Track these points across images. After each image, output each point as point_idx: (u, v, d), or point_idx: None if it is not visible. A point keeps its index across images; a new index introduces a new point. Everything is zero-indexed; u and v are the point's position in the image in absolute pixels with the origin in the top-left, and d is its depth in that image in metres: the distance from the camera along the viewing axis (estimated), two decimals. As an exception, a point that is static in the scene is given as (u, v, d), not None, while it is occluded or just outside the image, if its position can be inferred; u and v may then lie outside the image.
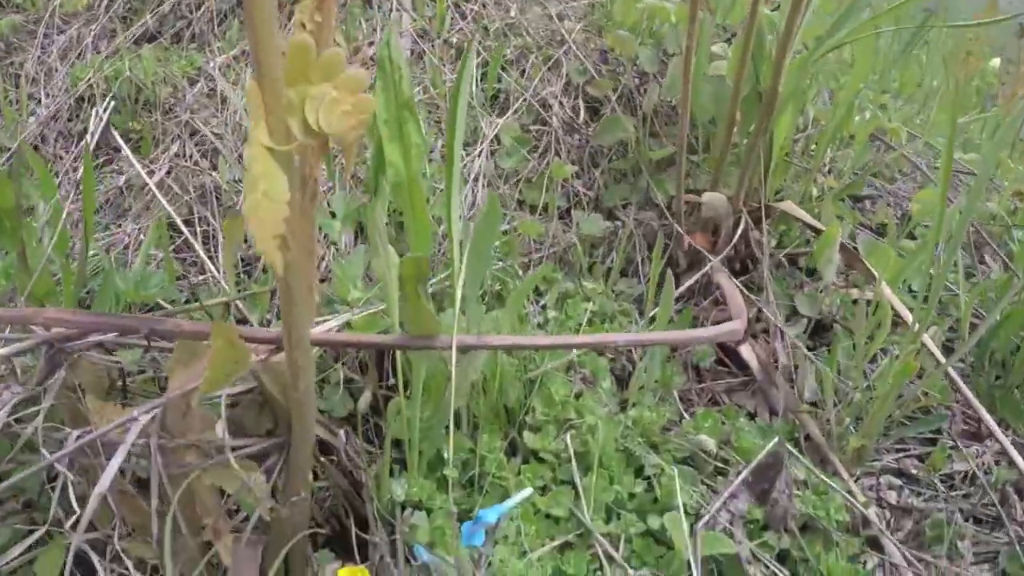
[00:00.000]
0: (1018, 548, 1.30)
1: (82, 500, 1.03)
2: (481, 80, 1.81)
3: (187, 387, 0.94)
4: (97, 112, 1.66)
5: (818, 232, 1.55)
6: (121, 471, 1.04)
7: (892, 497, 1.37)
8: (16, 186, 1.14)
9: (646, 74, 1.87)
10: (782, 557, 1.23)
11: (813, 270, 1.71)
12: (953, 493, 1.43)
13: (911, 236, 1.78)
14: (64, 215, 1.20)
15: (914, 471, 1.45)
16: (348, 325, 1.25)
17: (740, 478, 1.17)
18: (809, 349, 1.57)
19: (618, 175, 1.79)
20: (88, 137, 1.62)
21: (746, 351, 1.56)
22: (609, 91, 1.82)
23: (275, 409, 1.01)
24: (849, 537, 1.25)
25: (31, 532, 1.18)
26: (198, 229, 1.62)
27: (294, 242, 0.80)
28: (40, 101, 1.82)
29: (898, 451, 1.48)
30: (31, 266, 1.17)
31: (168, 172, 1.67)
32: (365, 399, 1.32)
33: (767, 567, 1.22)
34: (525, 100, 1.79)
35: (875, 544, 1.29)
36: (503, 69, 1.85)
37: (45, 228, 1.20)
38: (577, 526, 1.15)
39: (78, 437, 1.00)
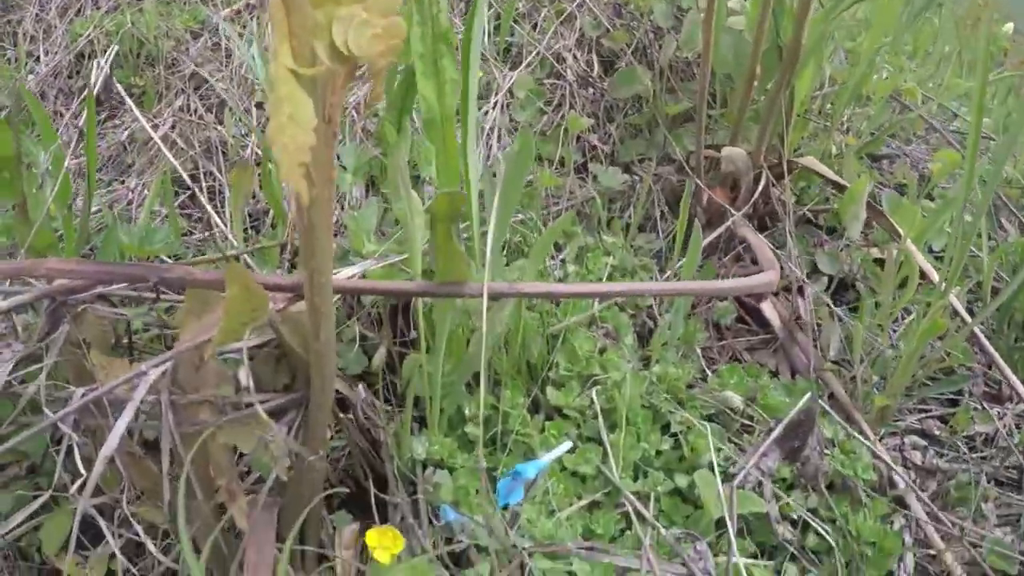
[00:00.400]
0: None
1: (88, 463, 0.95)
2: (494, 32, 1.71)
3: (200, 339, 0.86)
4: (99, 64, 1.56)
5: (840, 188, 1.47)
6: (129, 432, 0.96)
7: (917, 457, 1.31)
8: (15, 134, 1.05)
9: (660, 28, 1.78)
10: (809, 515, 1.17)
11: (833, 228, 1.64)
12: (975, 455, 1.37)
13: (929, 197, 1.71)
14: (64, 167, 1.11)
15: (936, 432, 1.38)
16: (364, 277, 1.18)
17: (773, 436, 1.10)
18: (831, 307, 1.49)
19: (634, 130, 1.71)
20: (90, 88, 1.53)
21: (768, 308, 1.49)
22: (624, 44, 1.73)
23: (293, 362, 0.93)
24: (877, 496, 1.19)
25: (35, 498, 1.11)
26: (204, 184, 1.53)
27: (317, 175, 0.72)
28: (39, 59, 1.72)
29: (920, 412, 1.41)
30: (31, 218, 1.08)
31: (172, 127, 1.58)
32: (380, 355, 1.25)
33: (794, 525, 1.16)
34: (539, 54, 1.70)
35: (901, 503, 1.23)
36: (515, 22, 1.75)
37: (46, 178, 1.11)
38: (605, 484, 1.08)
39: (83, 395, 0.92)
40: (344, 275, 0.90)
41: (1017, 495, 1.31)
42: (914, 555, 1.17)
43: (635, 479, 1.10)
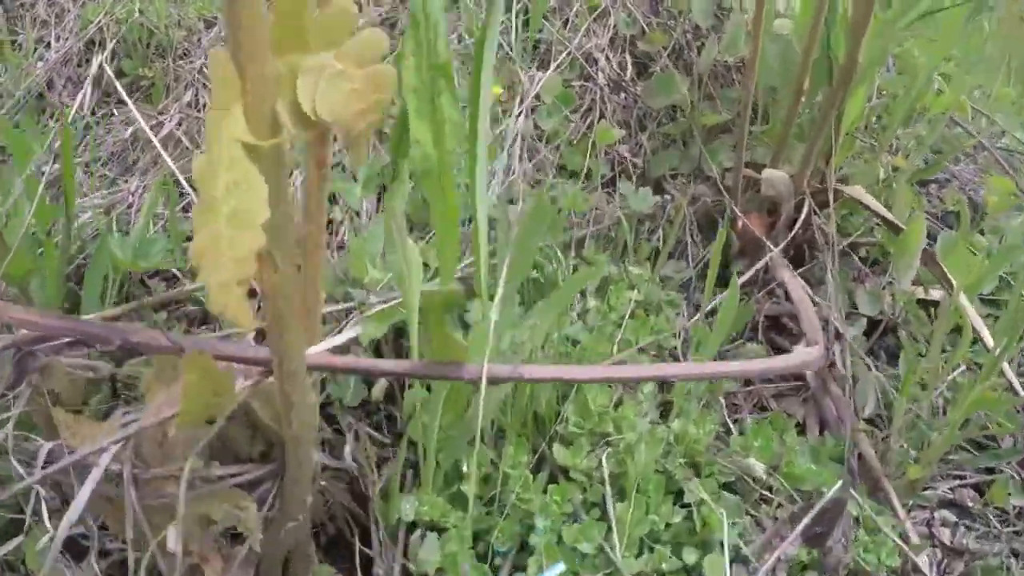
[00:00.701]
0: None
1: (57, 513, 0.89)
2: (523, 28, 1.58)
3: (163, 414, 0.78)
4: (99, 59, 1.47)
5: (889, 224, 1.33)
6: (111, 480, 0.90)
7: (946, 536, 1.20)
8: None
9: (699, 28, 1.62)
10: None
11: (876, 260, 1.50)
12: (1008, 528, 1.25)
13: (981, 231, 1.55)
14: (43, 183, 1.02)
15: (969, 503, 1.26)
16: (362, 306, 1.09)
17: (798, 530, 1.00)
18: (868, 353, 1.37)
19: (667, 140, 1.58)
20: (62, 109, 1.44)
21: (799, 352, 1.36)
22: (660, 47, 1.58)
23: (268, 434, 0.85)
24: (897, 582, 1.09)
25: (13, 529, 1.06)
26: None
27: (282, 258, 0.62)
28: (50, 45, 1.63)
29: (954, 478, 1.29)
30: (7, 244, 1.00)
31: (179, 124, 1.49)
32: (380, 386, 1.17)
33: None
34: (569, 53, 1.56)
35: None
36: (544, 19, 1.61)
37: (24, 202, 1.03)
38: (606, 563, 0.99)
39: (48, 453, 0.85)
40: (325, 349, 0.80)
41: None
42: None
43: (638, 555, 1.01)
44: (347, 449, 1.00)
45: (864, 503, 1.10)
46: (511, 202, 1.30)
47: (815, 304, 1.35)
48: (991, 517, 1.25)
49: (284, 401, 0.73)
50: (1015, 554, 1.20)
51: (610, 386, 1.13)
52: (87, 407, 0.95)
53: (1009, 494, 1.24)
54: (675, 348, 1.27)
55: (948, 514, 1.23)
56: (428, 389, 1.00)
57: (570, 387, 1.12)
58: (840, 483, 1.03)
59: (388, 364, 0.83)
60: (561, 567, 0.79)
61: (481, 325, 0.91)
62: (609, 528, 1.00)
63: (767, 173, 1.39)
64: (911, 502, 1.22)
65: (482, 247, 0.93)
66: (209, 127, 0.52)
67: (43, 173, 1.28)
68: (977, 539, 1.22)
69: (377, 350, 1.20)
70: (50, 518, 0.88)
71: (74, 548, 1.08)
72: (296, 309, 0.69)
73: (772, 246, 1.35)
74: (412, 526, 1.01)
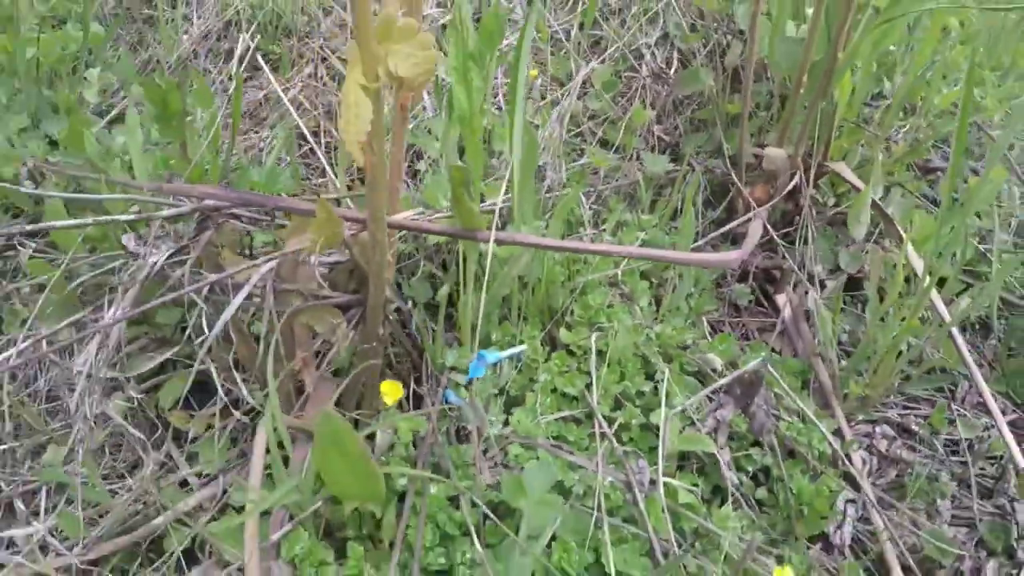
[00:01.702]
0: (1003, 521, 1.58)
1: (211, 327, 1.54)
2: (580, 29, 2.20)
3: (298, 247, 1.41)
4: (243, 38, 2.17)
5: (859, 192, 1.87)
6: (242, 315, 1.54)
7: (883, 445, 1.69)
8: (183, 94, 1.64)
9: (741, 32, 2.20)
10: (766, 473, 1.60)
11: (869, 233, 2.02)
12: (953, 458, 1.72)
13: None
14: (217, 123, 1.70)
15: (915, 427, 1.75)
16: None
17: (722, 383, 1.54)
18: (847, 303, 1.89)
19: (698, 124, 2.15)
20: (236, 58, 2.14)
21: (781, 297, 1.91)
22: (699, 46, 2.17)
23: (361, 274, 1.47)
24: (829, 469, 1.59)
25: (163, 362, 1.71)
26: (323, 140, 2.10)
27: (377, 148, 1.24)
28: (193, 22, 2.35)
29: (906, 408, 1.79)
30: (190, 156, 1.67)
31: (301, 90, 2.16)
32: (444, 290, 1.77)
33: (747, 476, 1.59)
34: (619, 48, 2.17)
35: (854, 484, 1.61)
36: (605, 19, 2.23)
37: (203, 131, 1.70)
38: (586, 406, 1.56)
39: (217, 276, 1.50)
40: (403, 216, 1.42)
41: (981, 501, 1.65)
42: (853, 528, 1.56)
43: (614, 409, 1.57)
44: (410, 305, 1.61)
45: (794, 394, 1.63)
46: (546, 155, 1.91)
47: (801, 262, 1.90)
48: (937, 443, 1.73)
49: (372, 238, 1.34)
50: (953, 475, 1.66)
51: (608, 292, 1.71)
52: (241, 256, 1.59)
53: (953, 422, 1.73)
54: (672, 277, 1.83)
55: (888, 429, 1.72)
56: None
57: (576, 290, 1.70)
58: (760, 357, 1.57)
59: (436, 226, 1.44)
60: (523, 347, 1.39)
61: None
62: (589, 385, 1.57)
63: (768, 151, 1.94)
64: (860, 417, 1.74)
65: (515, 176, 1.55)
66: (347, 74, 1.16)
67: (203, 118, 1.97)
68: (920, 458, 1.71)
69: (444, 266, 1.83)
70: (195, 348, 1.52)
71: (198, 394, 1.73)
72: (384, 183, 1.31)
73: (758, 207, 1.90)
74: (452, 369, 1.61)
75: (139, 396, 1.79)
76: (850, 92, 1.92)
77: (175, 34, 2.38)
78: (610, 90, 2.10)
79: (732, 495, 1.54)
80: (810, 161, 1.95)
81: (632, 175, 1.99)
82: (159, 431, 1.83)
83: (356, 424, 1.54)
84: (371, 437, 1.45)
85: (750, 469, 1.59)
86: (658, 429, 1.58)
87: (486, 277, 1.46)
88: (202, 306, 1.50)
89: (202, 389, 1.68)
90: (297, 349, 1.48)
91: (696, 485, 1.51)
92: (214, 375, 1.54)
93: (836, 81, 1.83)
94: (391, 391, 1.37)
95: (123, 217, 1.47)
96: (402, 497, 1.39)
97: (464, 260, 1.56)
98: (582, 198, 1.82)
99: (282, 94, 2.05)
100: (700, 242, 1.88)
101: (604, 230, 1.86)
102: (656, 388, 1.61)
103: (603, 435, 1.50)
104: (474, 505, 1.34)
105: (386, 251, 1.37)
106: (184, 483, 1.72)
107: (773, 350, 1.82)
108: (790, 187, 1.93)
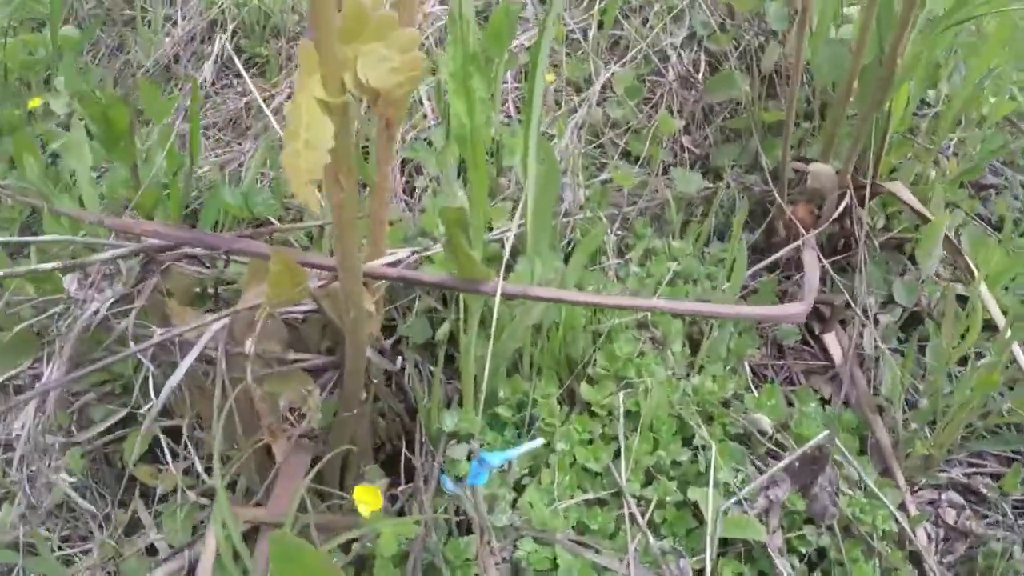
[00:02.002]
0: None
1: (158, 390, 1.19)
2: (599, 28, 1.82)
3: (254, 301, 1.05)
4: (220, 39, 1.80)
5: (921, 217, 1.50)
6: (204, 374, 1.19)
7: (951, 516, 1.34)
8: (130, 110, 1.28)
9: (775, 33, 1.82)
10: (820, 554, 1.24)
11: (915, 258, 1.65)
12: (1022, 521, 1.37)
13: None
14: (172, 137, 1.34)
15: (983, 490, 1.40)
16: (429, 259, 1.34)
17: (782, 464, 1.19)
18: (901, 342, 1.53)
19: (730, 135, 1.78)
20: (210, 59, 1.78)
21: (830, 337, 1.54)
22: (730, 47, 1.79)
23: (335, 330, 1.11)
24: (892, 549, 1.24)
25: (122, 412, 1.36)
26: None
27: (347, 182, 0.87)
28: (176, 23, 1.99)
29: (972, 466, 1.43)
30: (141, 180, 1.31)
31: (288, 97, 1.80)
32: (444, 330, 1.41)
33: (800, 562, 1.23)
34: (642, 50, 1.79)
35: (918, 562, 1.26)
36: (625, 17, 1.85)
37: (157, 149, 1.34)
38: (612, 484, 1.20)
39: (161, 335, 1.14)
40: (385, 262, 1.06)
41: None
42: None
43: (644, 485, 1.21)
44: (399, 360, 1.25)
45: (858, 469, 1.27)
46: (564, 173, 1.53)
47: (852, 295, 1.53)
48: (1006, 507, 1.38)
49: (345, 292, 0.98)
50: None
51: (637, 338, 1.34)
52: (194, 308, 1.24)
53: (1023, 482, 1.37)
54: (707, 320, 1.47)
55: (956, 497, 1.37)
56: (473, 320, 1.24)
57: (600, 335, 1.34)
58: (825, 432, 1.20)
59: (426, 276, 1.07)
60: (539, 442, 1.01)
61: (518, 266, 1.17)
62: (618, 454, 1.21)
63: (814, 167, 1.57)
64: (923, 481, 1.38)
65: (530, 204, 1.18)
66: (297, 87, 0.79)
67: (172, 130, 1.61)
68: (988, 526, 1.36)
69: (445, 302, 1.46)
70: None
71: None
72: (355, 226, 0.95)
73: (805, 232, 1.53)
74: (451, 437, 1.25)
75: (101, 447, 1.45)
76: (905, 103, 1.55)
77: (155, 36, 2.02)
78: (633, 96, 1.73)
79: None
80: (859, 179, 1.58)
81: (660, 193, 1.62)
82: (125, 485, 1.50)
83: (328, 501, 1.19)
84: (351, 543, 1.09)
85: (803, 551, 1.23)
86: (696, 506, 1.22)
87: (493, 326, 1.10)
88: (148, 366, 1.15)
89: (176, 435, 1.34)
90: (262, 417, 1.13)
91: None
92: (163, 440, 1.19)
93: (894, 90, 1.45)
94: (367, 499, 1.02)
95: (46, 266, 1.11)
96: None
97: (465, 306, 1.20)
98: (605, 221, 1.45)
99: (263, 103, 1.68)
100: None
101: (630, 259, 1.49)
102: (695, 456, 1.25)
103: (633, 520, 1.14)
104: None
105: (362, 306, 1.01)
106: (152, 549, 1.38)
107: (822, 399, 1.46)
108: (840, 209, 1.56)
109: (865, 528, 1.23)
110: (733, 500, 1.15)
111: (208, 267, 1.20)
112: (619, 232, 1.53)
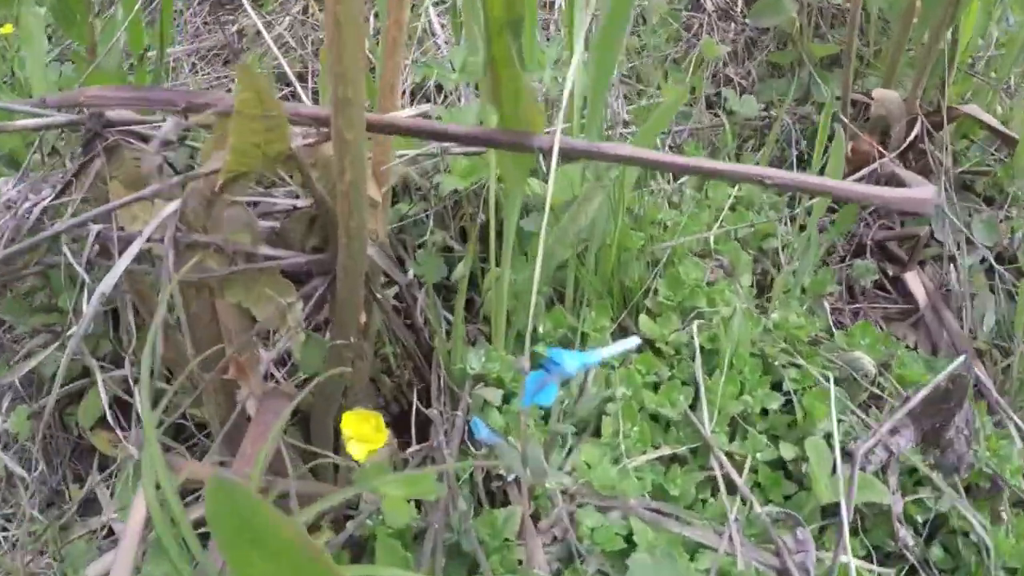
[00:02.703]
0: None
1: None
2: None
3: (214, 166, 0.63)
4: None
5: (1007, 142, 1.10)
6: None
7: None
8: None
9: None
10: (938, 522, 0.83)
11: (992, 198, 1.25)
12: None
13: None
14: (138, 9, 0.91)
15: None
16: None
17: (910, 405, 0.77)
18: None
19: (775, 70, 1.37)
20: None
21: (912, 277, 1.13)
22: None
23: (327, 223, 0.68)
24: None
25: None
26: (309, 84, 1.32)
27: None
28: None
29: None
30: (101, 64, 0.89)
31: (289, 27, 1.38)
32: (462, 268, 0.99)
33: (917, 530, 0.82)
34: (676, -20, 1.39)
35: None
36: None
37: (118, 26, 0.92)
38: (692, 437, 0.78)
39: (98, 234, 0.71)
40: (399, 116, 0.64)
41: None
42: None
43: (731, 439, 0.79)
44: (410, 274, 0.83)
45: (995, 406, 0.86)
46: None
47: (929, 231, 1.13)
48: None
49: (338, 141, 0.56)
50: None
51: (703, 260, 0.93)
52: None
53: None
54: (775, 251, 1.05)
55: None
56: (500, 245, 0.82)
57: (659, 259, 0.92)
58: (961, 358, 0.78)
59: (456, 128, 0.65)
60: (635, 341, 0.56)
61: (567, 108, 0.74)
62: (696, 399, 0.79)
63: (878, 92, 1.17)
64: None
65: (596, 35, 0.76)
66: None
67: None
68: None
69: (463, 237, 1.04)
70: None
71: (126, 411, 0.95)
72: (360, 30, 0.53)
73: (883, 155, 1.12)
74: (477, 382, 0.82)
75: (54, 409, 1.02)
76: (973, 24, 1.16)
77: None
78: (673, 21, 1.31)
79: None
80: (927, 107, 1.17)
81: (706, 122, 1.21)
82: (83, 454, 1.07)
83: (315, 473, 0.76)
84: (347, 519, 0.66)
85: (919, 519, 0.82)
86: (791, 468, 0.80)
87: (543, 227, 0.67)
88: (82, 275, 0.71)
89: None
90: (226, 343, 0.69)
91: (869, 559, 0.73)
92: (99, 385, 0.76)
93: (962, 12, 1.06)
94: (363, 433, 0.57)
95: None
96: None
97: (496, 209, 0.78)
98: (656, 143, 1.04)
99: (262, 28, 1.26)
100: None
101: (683, 185, 1.08)
102: (788, 405, 0.82)
103: (730, 485, 0.72)
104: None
105: (364, 177, 0.59)
106: (110, 531, 0.95)
107: (907, 347, 1.04)
108: (911, 138, 1.15)
109: (999, 480, 0.82)
110: (860, 452, 0.73)
111: (166, 145, 0.77)
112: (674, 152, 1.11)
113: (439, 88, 1.19)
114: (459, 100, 1.20)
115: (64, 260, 0.75)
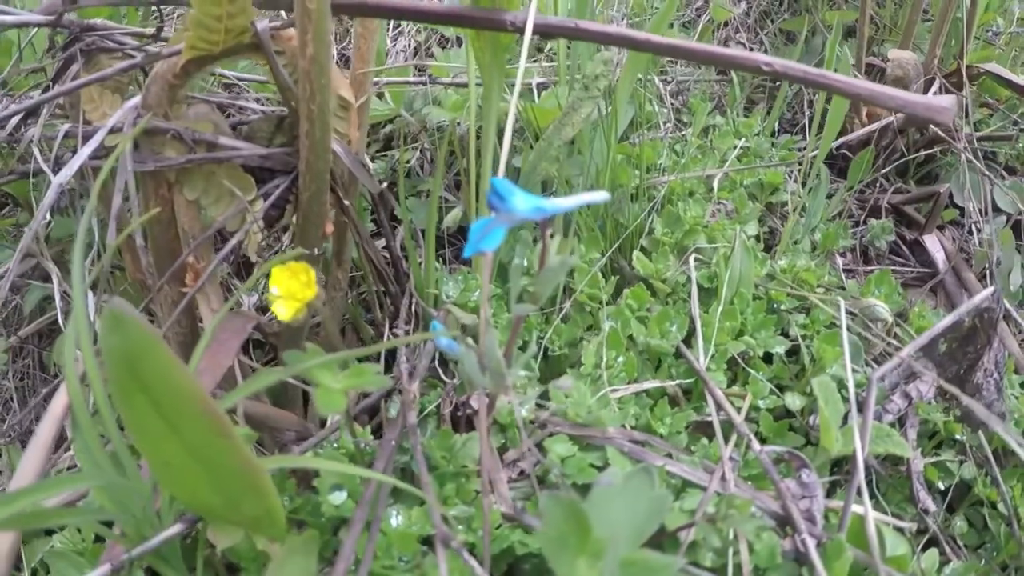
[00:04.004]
0: None
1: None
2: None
3: (179, 46, 0.57)
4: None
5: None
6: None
7: None
8: None
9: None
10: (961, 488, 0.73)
11: (1013, 169, 1.15)
12: None
13: None
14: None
15: None
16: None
17: (936, 330, 0.67)
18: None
19: (788, 38, 1.30)
20: None
21: (931, 239, 1.04)
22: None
23: (294, 122, 0.62)
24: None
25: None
26: None
27: None
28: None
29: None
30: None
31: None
32: (454, 215, 0.93)
33: (939, 495, 0.73)
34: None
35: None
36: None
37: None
38: (686, 375, 0.69)
39: (65, 132, 0.66)
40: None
41: None
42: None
43: (730, 383, 0.71)
44: (399, 235, 0.76)
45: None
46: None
47: (949, 195, 1.04)
48: None
49: (300, 11, 0.50)
50: None
51: (704, 199, 0.85)
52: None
53: None
54: (784, 206, 0.97)
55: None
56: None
57: (655, 197, 0.84)
58: (990, 289, 0.69)
59: (428, 7, 0.58)
60: (603, 195, 0.44)
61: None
62: (692, 334, 0.71)
63: (894, 53, 1.09)
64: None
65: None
66: None
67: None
68: None
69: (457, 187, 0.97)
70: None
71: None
72: None
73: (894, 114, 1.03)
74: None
75: (35, 345, 0.97)
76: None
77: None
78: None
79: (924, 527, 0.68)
80: (945, 68, 1.09)
81: (714, 84, 1.13)
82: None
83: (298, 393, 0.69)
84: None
85: (940, 485, 0.72)
86: (796, 421, 0.71)
87: (515, 88, 0.60)
88: (48, 172, 0.66)
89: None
90: (183, 244, 0.63)
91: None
92: (55, 289, 0.71)
93: None
94: (290, 286, 0.50)
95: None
96: (339, 528, 0.53)
97: (477, 157, 0.71)
98: (660, 85, 0.97)
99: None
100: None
101: (686, 134, 1.00)
102: (793, 352, 0.74)
103: (726, 424, 0.63)
104: (474, 558, 0.48)
105: (328, 53, 0.52)
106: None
107: (925, 311, 0.95)
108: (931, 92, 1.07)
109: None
110: (873, 392, 0.64)
111: (141, 50, 0.72)
112: (673, 104, 1.03)
113: None
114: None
115: (33, 166, 0.69)
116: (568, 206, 0.42)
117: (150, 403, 0.34)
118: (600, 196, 0.42)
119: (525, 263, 0.70)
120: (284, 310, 0.47)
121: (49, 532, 0.60)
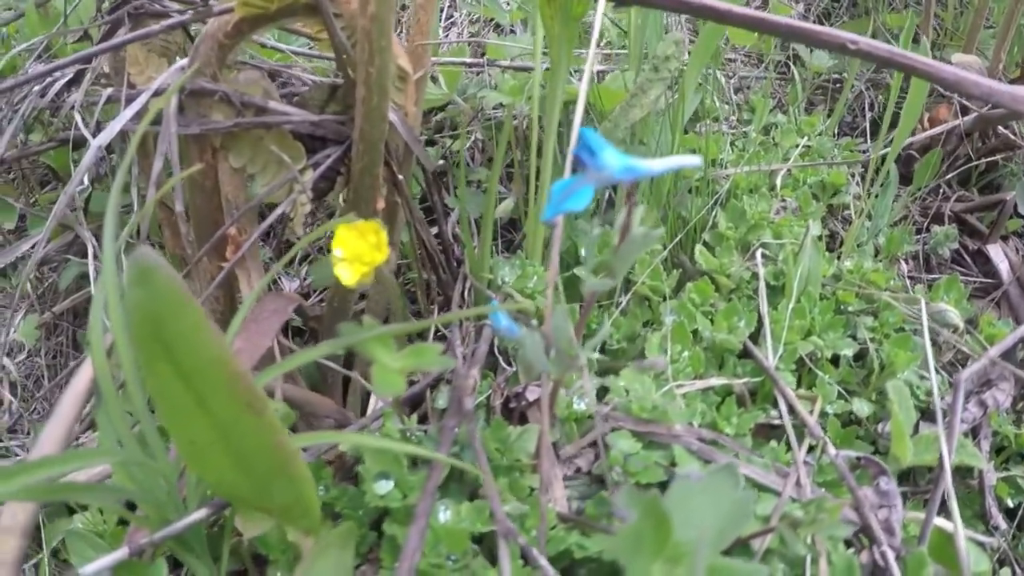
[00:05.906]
0: None
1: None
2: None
3: (229, 4, 0.52)
4: None
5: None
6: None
7: None
8: None
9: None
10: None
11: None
12: None
13: None
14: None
15: None
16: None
17: (1011, 339, 0.60)
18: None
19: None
20: None
21: (995, 250, 0.95)
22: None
23: (348, 92, 0.56)
24: None
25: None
26: None
27: None
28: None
29: None
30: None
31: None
32: (506, 205, 0.88)
33: (1009, 515, 0.65)
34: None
35: None
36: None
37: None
38: (753, 373, 0.62)
39: (106, 98, 0.61)
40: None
41: None
42: None
43: (797, 384, 0.64)
44: (452, 218, 0.70)
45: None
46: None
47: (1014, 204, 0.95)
48: None
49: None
50: None
51: (768, 195, 0.78)
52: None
53: None
54: (846, 209, 0.89)
55: None
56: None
57: (717, 191, 0.77)
58: None
59: None
60: (697, 160, 0.37)
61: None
62: (759, 331, 0.64)
63: (957, 57, 1.01)
64: None
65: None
66: None
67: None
68: None
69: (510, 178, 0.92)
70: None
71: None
72: None
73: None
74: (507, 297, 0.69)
75: (69, 322, 0.92)
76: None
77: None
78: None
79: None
80: (1010, 74, 1.01)
81: (774, 83, 1.07)
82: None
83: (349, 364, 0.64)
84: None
85: (1008, 502, 0.65)
86: (862, 423, 0.64)
87: (591, 48, 0.54)
88: (88, 137, 0.61)
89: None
90: (226, 213, 0.58)
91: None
92: (90, 257, 0.66)
93: None
94: (359, 254, 0.44)
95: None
96: (379, 522, 0.47)
97: (538, 150, 0.65)
98: (722, 80, 0.90)
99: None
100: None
101: (747, 131, 0.93)
102: (861, 356, 0.67)
103: (799, 428, 0.56)
104: (524, 561, 0.41)
105: (391, 12, 0.47)
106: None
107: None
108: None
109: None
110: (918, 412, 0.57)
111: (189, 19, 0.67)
112: (736, 98, 0.97)
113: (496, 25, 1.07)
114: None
115: (74, 132, 0.65)
116: (660, 169, 0.35)
117: (175, 371, 0.29)
118: (693, 160, 0.36)
119: (588, 252, 0.64)
120: (348, 274, 0.41)
121: (72, 512, 0.55)
